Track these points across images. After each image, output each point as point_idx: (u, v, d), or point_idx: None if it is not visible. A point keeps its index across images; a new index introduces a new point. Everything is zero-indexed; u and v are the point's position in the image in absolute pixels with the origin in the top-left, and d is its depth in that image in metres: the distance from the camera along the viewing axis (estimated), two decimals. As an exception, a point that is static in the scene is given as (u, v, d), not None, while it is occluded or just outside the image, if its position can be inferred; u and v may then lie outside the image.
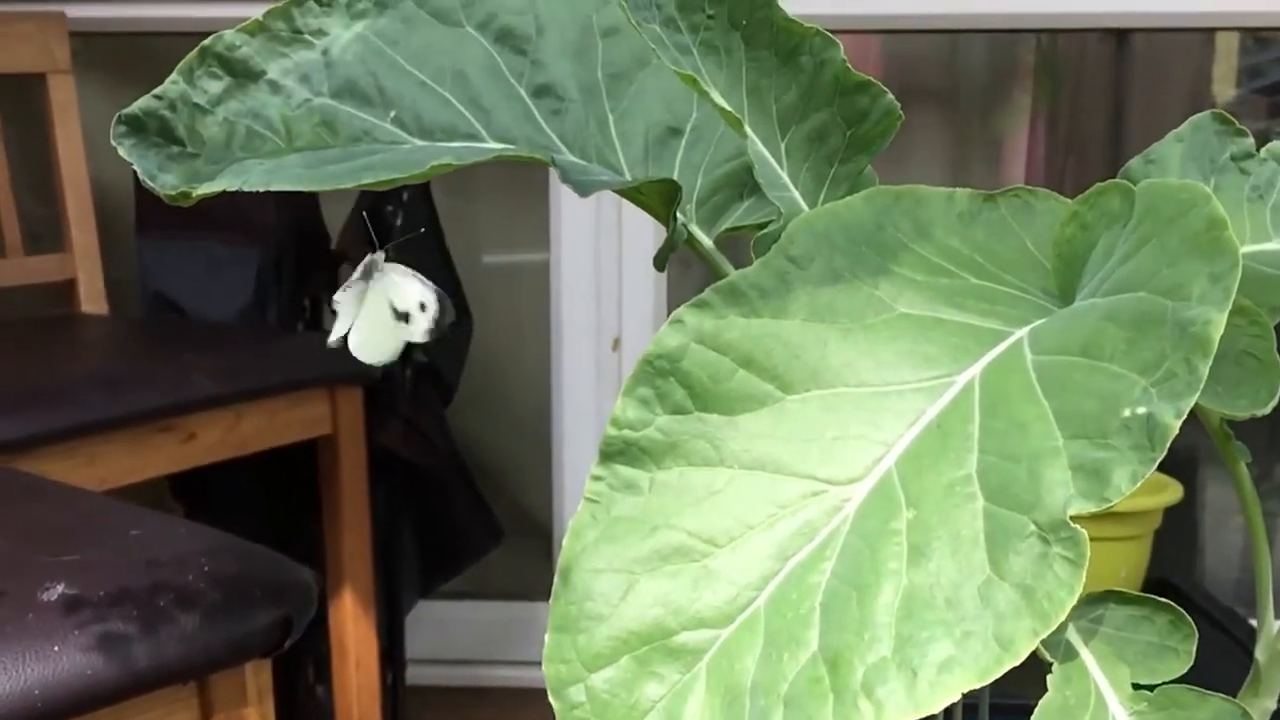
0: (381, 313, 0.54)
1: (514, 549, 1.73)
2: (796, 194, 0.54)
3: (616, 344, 1.69)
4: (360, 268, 0.55)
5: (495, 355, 1.78)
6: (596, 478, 0.43)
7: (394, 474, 1.52)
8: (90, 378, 1.24)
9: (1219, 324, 0.40)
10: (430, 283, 0.56)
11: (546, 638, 0.41)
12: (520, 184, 1.77)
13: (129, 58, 1.76)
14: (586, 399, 1.70)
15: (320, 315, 1.57)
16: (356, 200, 1.49)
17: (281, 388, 1.33)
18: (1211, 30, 1.75)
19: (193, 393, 1.25)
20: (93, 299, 1.57)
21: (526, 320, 1.79)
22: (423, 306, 0.55)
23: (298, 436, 1.36)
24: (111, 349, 1.50)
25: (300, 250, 1.54)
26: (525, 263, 1.81)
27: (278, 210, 1.51)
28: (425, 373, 1.53)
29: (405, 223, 1.47)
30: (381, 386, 1.45)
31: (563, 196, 1.67)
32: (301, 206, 1.54)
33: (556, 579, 0.42)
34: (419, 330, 0.55)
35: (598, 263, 1.68)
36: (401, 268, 0.55)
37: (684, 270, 1.76)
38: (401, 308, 0.54)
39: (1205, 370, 0.39)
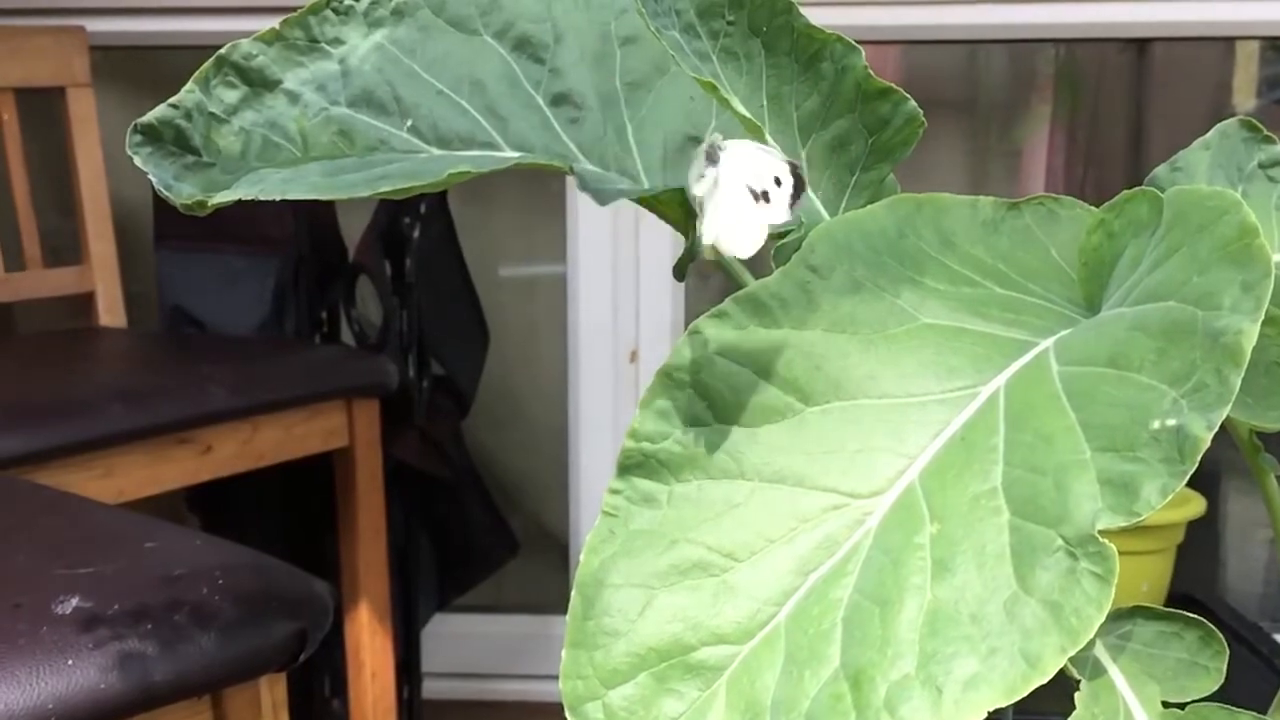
0: (739, 196, 0.46)
1: (530, 562, 1.73)
2: (817, 202, 0.54)
3: (634, 356, 1.68)
4: (703, 153, 0.48)
5: (512, 367, 1.78)
6: (614, 491, 0.42)
7: (410, 486, 1.52)
8: (108, 390, 1.24)
9: (1251, 334, 0.39)
10: (774, 150, 0.48)
11: (563, 654, 0.40)
12: (537, 195, 1.77)
13: (148, 71, 1.77)
14: (604, 411, 1.70)
15: (338, 327, 1.57)
16: (374, 212, 1.49)
17: (298, 400, 1.33)
18: (1231, 40, 1.73)
19: (210, 405, 1.25)
20: (111, 312, 1.57)
21: (543, 332, 1.79)
22: (778, 181, 0.47)
23: (314, 449, 1.36)
24: (129, 362, 1.50)
25: (318, 263, 1.54)
26: (542, 275, 1.80)
27: (295, 223, 1.52)
28: (442, 385, 1.53)
29: (422, 234, 1.47)
30: (398, 399, 1.44)
31: (580, 208, 1.66)
32: (319, 219, 1.54)
33: (573, 594, 0.41)
34: (780, 209, 0.46)
35: (615, 274, 1.67)
36: (746, 142, 0.48)
37: (702, 281, 1.76)
38: (759, 187, 0.47)
39: (1237, 381, 0.38)
